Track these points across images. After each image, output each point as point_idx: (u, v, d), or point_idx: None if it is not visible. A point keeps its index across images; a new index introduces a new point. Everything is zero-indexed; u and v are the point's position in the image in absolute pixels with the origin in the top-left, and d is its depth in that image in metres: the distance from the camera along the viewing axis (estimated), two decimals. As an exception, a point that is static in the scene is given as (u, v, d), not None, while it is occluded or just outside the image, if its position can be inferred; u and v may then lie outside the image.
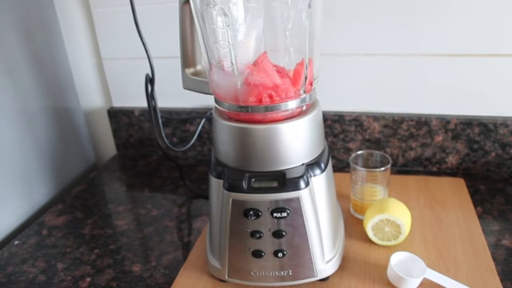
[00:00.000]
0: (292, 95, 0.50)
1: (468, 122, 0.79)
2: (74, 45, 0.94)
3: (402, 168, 0.86)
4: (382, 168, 0.66)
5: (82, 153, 0.96)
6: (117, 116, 0.99)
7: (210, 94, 0.56)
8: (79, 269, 0.64)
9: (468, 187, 0.77)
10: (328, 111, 0.85)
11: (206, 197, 0.80)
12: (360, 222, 0.68)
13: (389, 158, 0.68)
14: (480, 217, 0.69)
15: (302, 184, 0.51)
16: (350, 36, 0.79)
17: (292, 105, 0.51)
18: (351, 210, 0.72)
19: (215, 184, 0.54)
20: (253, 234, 0.53)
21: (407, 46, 0.77)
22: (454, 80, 0.78)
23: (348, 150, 0.87)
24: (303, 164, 0.53)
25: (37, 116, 0.81)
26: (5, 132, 0.74)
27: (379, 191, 0.68)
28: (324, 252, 0.55)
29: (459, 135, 0.80)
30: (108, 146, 1.06)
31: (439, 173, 0.84)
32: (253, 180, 0.52)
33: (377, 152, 0.70)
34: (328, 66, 0.81)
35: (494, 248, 0.62)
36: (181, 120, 0.94)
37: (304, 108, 0.53)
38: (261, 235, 0.52)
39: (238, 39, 0.50)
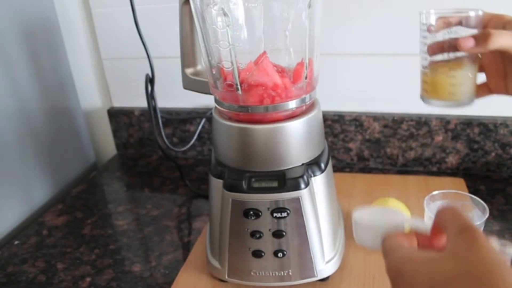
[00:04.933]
0: (292, 95, 0.50)
1: (468, 122, 0.79)
2: (74, 45, 0.94)
3: (402, 168, 0.86)
4: (471, 12, 0.44)
5: (82, 153, 0.96)
6: (117, 116, 0.99)
7: (210, 94, 0.56)
8: (79, 269, 0.64)
9: (468, 187, 0.77)
10: (328, 111, 0.85)
11: (206, 197, 0.80)
12: (360, 222, 0.68)
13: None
14: (480, 217, 0.69)
15: (302, 184, 0.51)
16: (350, 36, 0.79)
17: (292, 105, 0.51)
18: (421, 93, 0.49)
19: (215, 184, 0.54)
20: (253, 234, 0.53)
21: (407, 46, 0.77)
22: (454, 80, 0.78)
23: (348, 150, 0.87)
24: (303, 164, 0.53)
25: (37, 116, 0.81)
26: (5, 132, 0.74)
27: (465, 59, 0.46)
28: (324, 252, 0.55)
29: (459, 135, 0.80)
30: (108, 146, 1.05)
31: (439, 173, 0.84)
32: (253, 180, 0.52)
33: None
34: (328, 66, 0.81)
35: (494, 248, 0.62)
36: (181, 120, 0.94)
37: (304, 108, 0.53)
38: (261, 235, 0.52)
39: (238, 39, 0.50)
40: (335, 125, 0.85)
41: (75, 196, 0.85)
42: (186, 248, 0.68)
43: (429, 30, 0.46)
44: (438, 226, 0.36)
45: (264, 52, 0.52)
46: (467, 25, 0.45)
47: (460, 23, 0.45)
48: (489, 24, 0.46)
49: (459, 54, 0.45)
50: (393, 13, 0.75)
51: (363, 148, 0.86)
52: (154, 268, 0.63)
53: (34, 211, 0.81)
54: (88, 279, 0.62)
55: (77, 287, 0.61)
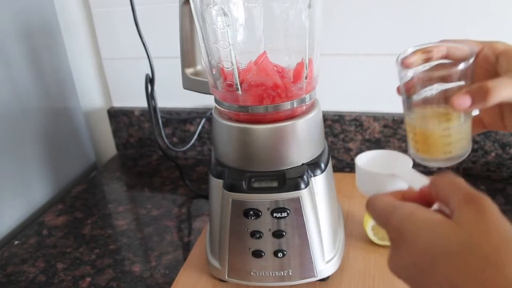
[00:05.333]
0: (292, 95, 0.50)
1: (468, 122, 0.79)
2: (74, 45, 0.94)
3: (402, 168, 0.86)
4: (461, 66, 0.38)
5: (82, 153, 0.96)
6: (117, 116, 0.99)
7: (210, 94, 0.56)
8: (79, 269, 0.64)
9: (468, 187, 0.77)
10: (328, 111, 0.85)
11: (206, 197, 0.80)
12: (360, 222, 0.68)
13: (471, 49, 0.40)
14: (480, 217, 0.69)
15: (302, 184, 0.51)
16: (350, 36, 0.79)
17: (292, 105, 0.51)
18: (411, 151, 0.44)
19: (215, 184, 0.54)
20: (253, 234, 0.53)
21: (407, 46, 0.77)
22: (454, 80, 0.78)
23: (348, 150, 0.87)
24: (303, 164, 0.53)
25: (37, 116, 0.81)
26: (5, 132, 0.74)
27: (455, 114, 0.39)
28: (324, 252, 0.55)
29: (459, 135, 0.80)
30: (108, 146, 1.05)
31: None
32: (253, 180, 0.51)
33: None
34: (328, 66, 0.81)
35: (494, 248, 0.62)
36: (181, 120, 0.94)
37: (304, 108, 0.53)
38: (261, 235, 0.52)
39: (238, 39, 0.50)
40: (335, 125, 0.85)
41: (75, 196, 0.85)
42: (186, 248, 0.68)
43: (406, 65, 0.40)
44: (428, 194, 0.32)
45: (264, 52, 0.52)
46: (454, 60, 0.40)
47: (445, 57, 0.40)
48: (480, 56, 0.41)
49: (448, 88, 0.39)
50: (394, 13, 0.75)
51: (363, 148, 0.86)
52: (154, 268, 0.63)
53: (34, 211, 0.81)
54: (88, 279, 0.62)
55: (77, 287, 0.61)
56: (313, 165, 0.53)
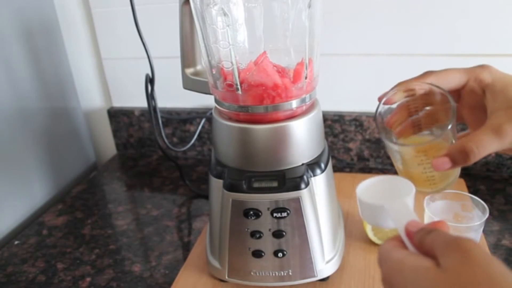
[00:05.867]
0: (292, 95, 0.50)
1: (468, 122, 0.79)
2: (74, 45, 0.94)
3: (402, 168, 0.86)
4: (432, 139, 0.39)
5: (82, 153, 0.96)
6: (117, 116, 0.99)
7: (210, 94, 0.56)
8: (79, 269, 0.64)
9: (468, 187, 0.77)
10: (328, 111, 0.85)
11: (206, 197, 0.80)
12: (360, 222, 0.68)
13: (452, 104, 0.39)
14: (480, 217, 0.69)
15: (302, 184, 0.51)
16: (350, 36, 0.79)
17: (292, 105, 0.51)
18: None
19: (215, 184, 0.54)
20: (253, 234, 0.53)
21: (407, 46, 0.77)
22: (454, 80, 0.78)
23: (348, 150, 0.87)
24: (303, 164, 0.53)
25: (37, 116, 0.81)
26: (5, 132, 0.74)
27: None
28: (324, 252, 0.55)
29: (459, 135, 0.80)
30: (108, 146, 1.06)
31: (439, 173, 0.84)
32: (253, 180, 0.51)
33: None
34: (328, 66, 0.81)
35: (494, 248, 0.62)
36: (181, 120, 0.94)
37: (304, 108, 0.53)
38: (261, 235, 0.52)
39: (238, 39, 0.50)
40: (335, 125, 0.85)
41: (75, 196, 0.85)
42: (186, 248, 0.68)
43: (390, 103, 0.41)
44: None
45: (264, 52, 0.52)
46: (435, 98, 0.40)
47: (427, 93, 0.41)
48: (466, 88, 0.40)
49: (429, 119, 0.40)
50: (394, 13, 0.75)
51: (363, 148, 0.86)
52: (154, 268, 0.63)
53: (34, 211, 0.81)
54: (88, 279, 0.62)
55: (77, 287, 0.61)
56: (313, 165, 0.53)
